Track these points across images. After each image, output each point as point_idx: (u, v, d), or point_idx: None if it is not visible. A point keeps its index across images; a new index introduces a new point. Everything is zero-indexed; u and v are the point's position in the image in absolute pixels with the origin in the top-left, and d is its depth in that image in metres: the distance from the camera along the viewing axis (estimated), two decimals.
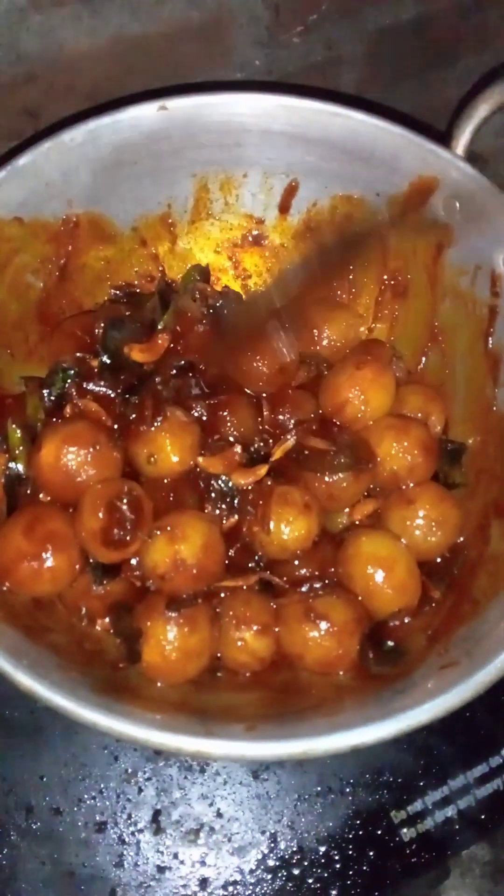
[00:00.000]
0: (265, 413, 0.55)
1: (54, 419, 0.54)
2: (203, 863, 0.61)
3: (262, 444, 0.55)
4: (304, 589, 0.51)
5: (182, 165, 0.59)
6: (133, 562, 0.52)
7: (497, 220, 0.54)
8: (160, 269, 0.62)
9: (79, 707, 0.42)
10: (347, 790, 0.62)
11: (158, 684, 0.49)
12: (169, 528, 0.50)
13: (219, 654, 0.51)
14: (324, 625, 0.49)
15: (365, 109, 0.56)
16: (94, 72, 0.63)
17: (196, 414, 0.55)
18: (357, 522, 0.55)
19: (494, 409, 0.55)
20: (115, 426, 0.54)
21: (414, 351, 0.61)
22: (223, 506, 0.53)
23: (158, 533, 0.50)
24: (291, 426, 0.55)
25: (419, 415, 0.56)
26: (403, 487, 0.54)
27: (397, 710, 0.42)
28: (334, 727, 0.42)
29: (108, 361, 0.55)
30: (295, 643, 0.50)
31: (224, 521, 0.53)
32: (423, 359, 0.61)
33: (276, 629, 0.51)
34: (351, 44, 0.73)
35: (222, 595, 0.52)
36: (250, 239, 0.63)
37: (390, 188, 0.58)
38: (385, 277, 0.61)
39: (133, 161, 0.57)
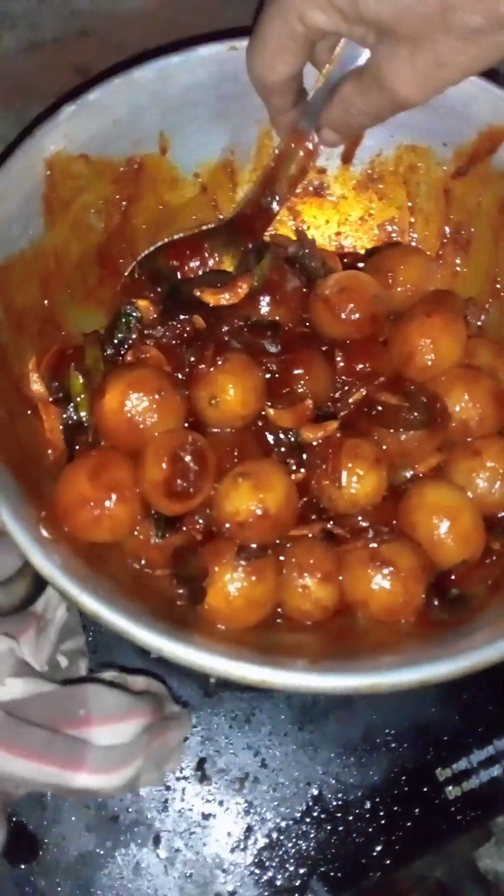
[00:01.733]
0: (340, 365, 0.53)
1: (116, 366, 0.53)
2: (248, 811, 0.60)
3: (334, 398, 0.54)
4: (369, 535, 0.49)
5: (247, 110, 0.57)
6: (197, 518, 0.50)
7: None
8: (219, 217, 0.61)
9: (144, 630, 0.41)
10: (393, 745, 0.61)
11: (219, 626, 0.48)
12: (253, 476, 0.48)
13: (279, 605, 0.50)
14: (389, 570, 0.48)
15: None
16: (146, 29, 0.61)
17: (268, 371, 0.53)
18: (420, 475, 0.54)
19: None
20: (179, 375, 0.53)
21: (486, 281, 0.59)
22: (291, 461, 0.52)
23: (241, 480, 0.48)
24: (365, 379, 0.53)
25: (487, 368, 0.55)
26: (470, 439, 0.53)
27: (463, 649, 0.41)
28: (401, 664, 0.41)
29: (173, 304, 0.54)
30: (359, 590, 0.49)
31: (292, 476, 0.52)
32: (483, 316, 0.59)
33: (340, 577, 0.50)
34: None
35: (287, 545, 0.51)
36: (311, 189, 0.62)
37: (458, 137, 0.56)
38: (447, 230, 0.60)
39: (200, 103, 0.56)
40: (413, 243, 0.61)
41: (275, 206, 0.57)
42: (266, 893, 0.58)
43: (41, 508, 0.46)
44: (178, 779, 0.61)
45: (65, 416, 0.53)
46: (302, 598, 0.49)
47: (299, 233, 0.62)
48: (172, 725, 0.55)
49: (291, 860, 0.59)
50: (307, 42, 0.47)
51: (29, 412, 0.52)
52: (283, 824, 0.60)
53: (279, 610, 0.51)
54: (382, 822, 0.60)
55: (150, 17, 0.61)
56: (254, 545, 0.48)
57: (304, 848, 0.60)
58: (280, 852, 0.59)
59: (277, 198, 0.57)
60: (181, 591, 0.48)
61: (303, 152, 0.55)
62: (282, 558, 0.50)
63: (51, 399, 0.53)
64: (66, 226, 0.55)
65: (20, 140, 0.52)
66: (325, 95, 0.51)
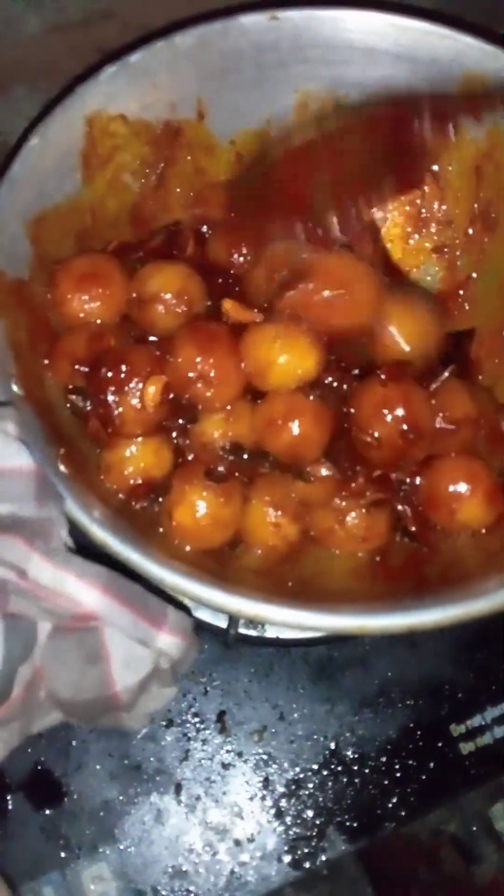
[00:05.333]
0: None
1: None
2: (266, 762, 0.60)
3: None
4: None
5: (286, 79, 0.56)
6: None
7: None
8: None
9: (156, 565, 0.43)
10: (409, 701, 0.62)
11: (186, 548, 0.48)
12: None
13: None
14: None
15: (473, 33, 0.54)
16: (169, 9, 0.59)
17: None
18: None
19: None
20: None
21: (501, 286, 0.59)
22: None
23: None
24: None
25: None
26: None
27: (455, 600, 0.42)
28: (392, 609, 0.42)
29: None
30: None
31: None
32: None
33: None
34: None
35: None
36: None
37: (493, 116, 0.55)
38: (476, 207, 0.59)
39: (239, 70, 0.54)
40: (440, 218, 0.61)
41: None
42: (284, 840, 0.59)
43: (60, 447, 0.47)
44: (198, 730, 0.61)
45: None
46: (272, 534, 0.50)
47: None
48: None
49: (309, 810, 0.59)
50: None
51: None
52: (300, 775, 0.60)
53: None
54: (398, 775, 0.60)
55: None
56: (221, 468, 0.49)
57: (320, 798, 0.60)
58: (297, 802, 0.60)
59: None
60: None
61: None
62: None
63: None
64: (104, 183, 0.54)
65: (61, 98, 0.51)
66: None
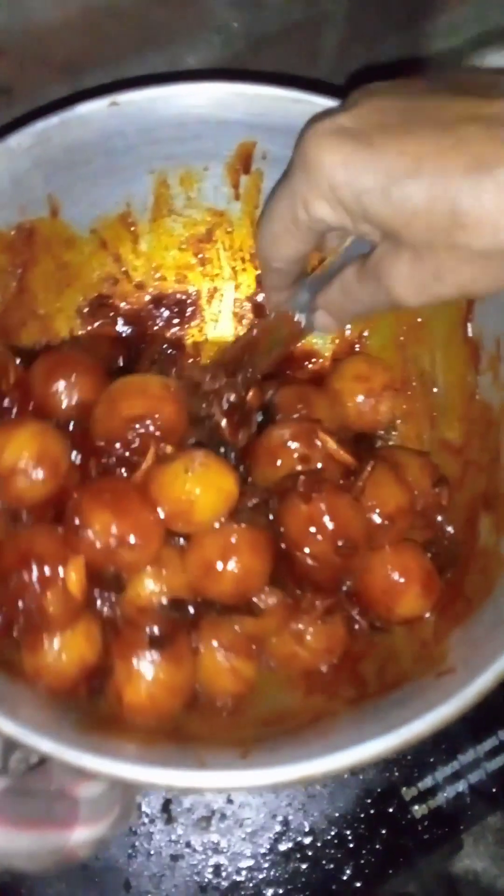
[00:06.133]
0: None
1: None
2: (216, 850, 0.59)
3: None
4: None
5: (139, 162, 0.53)
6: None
7: None
8: (123, 269, 0.57)
9: (65, 750, 0.38)
10: (357, 770, 0.60)
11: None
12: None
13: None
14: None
15: (329, 92, 0.50)
16: (67, 43, 0.56)
17: None
18: None
19: (477, 397, 0.51)
20: None
21: (391, 341, 0.57)
22: None
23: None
24: None
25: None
26: None
27: (395, 723, 0.39)
28: (330, 747, 0.39)
29: None
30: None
31: None
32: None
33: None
34: (332, 1, 0.66)
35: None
36: (216, 233, 0.58)
37: None
38: None
39: (87, 161, 0.51)
40: None
41: (246, 376, 0.52)
42: None
43: None
44: (143, 822, 0.59)
45: None
46: (232, 681, 0.47)
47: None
48: None
49: (263, 892, 0.59)
50: (311, 231, 0.42)
51: None
52: (251, 860, 0.59)
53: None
54: (351, 846, 0.59)
55: (70, 29, 0.55)
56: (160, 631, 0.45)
57: (273, 880, 0.59)
58: (250, 886, 0.59)
59: (250, 370, 0.51)
60: None
61: (288, 331, 0.50)
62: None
63: None
64: None
65: None
66: (323, 281, 0.46)
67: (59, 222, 0.53)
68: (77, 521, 0.43)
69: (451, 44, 0.71)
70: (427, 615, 0.48)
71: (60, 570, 0.43)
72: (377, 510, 0.47)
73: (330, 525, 0.45)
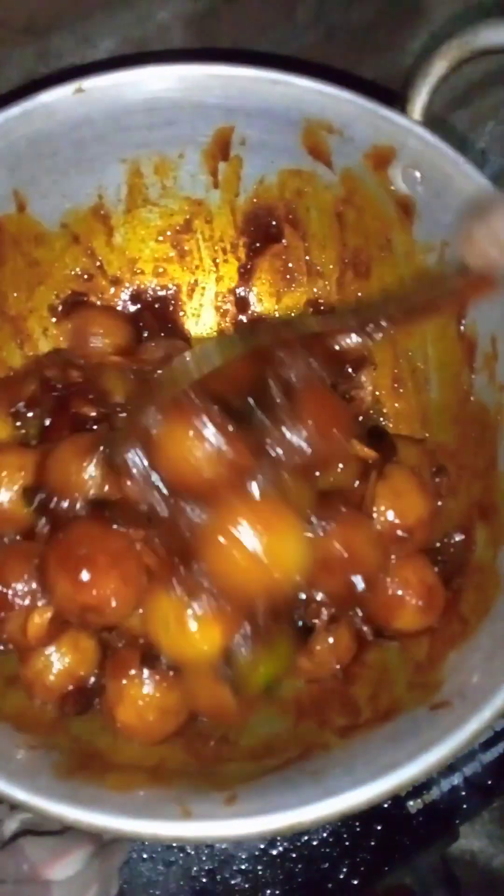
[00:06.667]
0: None
1: None
2: (210, 855, 0.59)
3: None
4: None
5: (109, 151, 0.49)
6: None
7: (461, 191, 0.45)
8: (97, 264, 0.53)
9: (42, 800, 0.37)
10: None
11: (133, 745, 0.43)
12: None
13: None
14: None
15: (312, 73, 0.46)
16: (28, 3, 0.51)
17: None
18: None
19: (472, 398, 0.49)
20: None
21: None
22: None
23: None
24: None
25: None
26: None
27: (388, 765, 0.38)
28: (321, 792, 0.37)
29: None
30: None
31: None
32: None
33: None
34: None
35: None
36: (195, 223, 0.54)
37: (343, 160, 0.48)
38: (344, 255, 0.53)
39: (53, 152, 0.47)
40: (310, 269, 0.54)
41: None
42: None
43: None
44: None
45: None
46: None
47: None
48: (115, 847, 0.51)
49: (261, 887, 0.58)
50: None
51: None
52: (245, 865, 0.58)
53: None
54: (346, 844, 0.59)
55: None
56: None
57: (271, 880, 0.58)
58: (246, 888, 0.58)
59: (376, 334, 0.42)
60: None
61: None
62: None
63: None
64: None
65: None
66: None
67: (26, 217, 0.50)
68: (46, 580, 0.41)
69: None
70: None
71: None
72: (398, 521, 0.45)
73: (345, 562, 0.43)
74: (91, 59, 0.56)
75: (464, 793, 0.61)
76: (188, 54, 0.48)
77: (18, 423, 0.49)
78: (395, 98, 0.47)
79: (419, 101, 0.46)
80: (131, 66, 0.47)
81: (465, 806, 0.61)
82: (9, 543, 0.46)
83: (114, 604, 0.41)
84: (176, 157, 0.50)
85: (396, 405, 0.55)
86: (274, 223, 0.53)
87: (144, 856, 0.58)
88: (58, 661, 0.44)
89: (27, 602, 0.43)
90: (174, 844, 0.58)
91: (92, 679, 0.45)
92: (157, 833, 0.36)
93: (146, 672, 0.43)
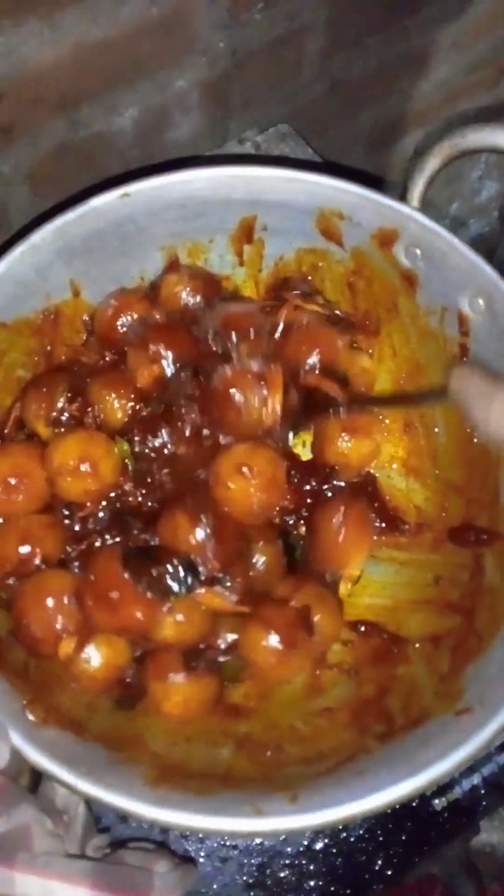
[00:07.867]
0: None
1: None
2: (260, 851, 0.64)
3: None
4: None
5: (150, 241, 0.56)
6: None
7: (456, 266, 0.52)
8: None
9: (140, 806, 0.44)
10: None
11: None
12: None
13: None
14: None
15: (320, 169, 0.53)
16: (60, 80, 0.59)
17: None
18: None
19: (475, 441, 0.55)
20: None
21: (392, 385, 0.60)
22: None
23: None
24: None
25: None
26: None
27: (422, 763, 0.44)
28: (368, 788, 0.44)
29: None
30: None
31: None
32: None
33: None
34: (312, 11, 0.68)
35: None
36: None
37: (353, 240, 0.55)
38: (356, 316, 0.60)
39: (102, 246, 0.54)
40: None
41: None
42: None
43: (25, 694, 0.47)
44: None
45: None
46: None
47: None
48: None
49: (305, 882, 0.64)
50: None
51: None
52: (290, 860, 0.64)
53: None
54: (380, 839, 0.65)
55: (62, 68, 0.58)
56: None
57: (314, 872, 0.65)
58: (293, 880, 0.64)
59: None
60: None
61: None
62: None
63: None
64: None
65: None
66: None
67: (80, 301, 0.57)
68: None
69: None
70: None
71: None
72: None
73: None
74: (118, 126, 0.64)
75: (483, 791, 0.67)
76: (217, 159, 0.55)
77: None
78: (390, 186, 0.54)
79: (416, 191, 0.53)
80: (168, 171, 0.53)
81: (484, 803, 0.67)
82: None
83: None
84: (207, 242, 0.57)
85: (409, 444, 0.61)
86: None
87: (203, 853, 0.64)
88: (96, 657, 0.51)
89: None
90: (226, 843, 0.64)
91: (131, 672, 0.52)
92: (235, 829, 0.43)
93: (189, 673, 0.51)
